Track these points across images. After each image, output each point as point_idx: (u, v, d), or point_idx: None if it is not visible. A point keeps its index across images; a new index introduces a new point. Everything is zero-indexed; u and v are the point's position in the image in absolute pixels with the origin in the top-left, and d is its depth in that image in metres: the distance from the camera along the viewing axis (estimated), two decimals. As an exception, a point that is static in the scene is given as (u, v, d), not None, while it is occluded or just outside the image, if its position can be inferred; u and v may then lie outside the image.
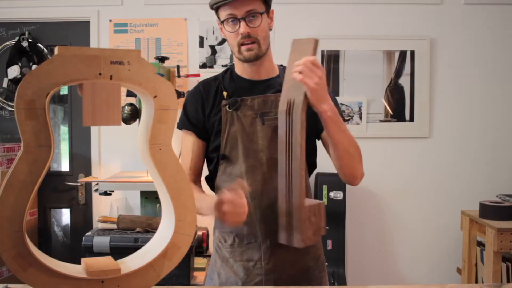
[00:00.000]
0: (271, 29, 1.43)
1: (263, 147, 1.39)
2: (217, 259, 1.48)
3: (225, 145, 1.40)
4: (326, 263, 1.55)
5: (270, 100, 1.41)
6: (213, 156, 1.45)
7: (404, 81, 3.06)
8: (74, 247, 3.09)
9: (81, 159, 3.10)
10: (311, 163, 1.46)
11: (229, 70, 1.49)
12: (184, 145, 1.48)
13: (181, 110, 1.48)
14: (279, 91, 1.38)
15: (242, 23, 1.33)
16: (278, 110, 1.35)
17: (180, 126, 1.47)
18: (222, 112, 1.40)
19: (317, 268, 1.46)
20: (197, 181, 1.48)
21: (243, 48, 1.36)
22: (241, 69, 1.46)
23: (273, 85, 1.44)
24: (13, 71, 2.93)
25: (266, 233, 1.39)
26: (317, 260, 1.47)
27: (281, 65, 1.52)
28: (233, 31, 1.35)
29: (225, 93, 1.42)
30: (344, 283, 2.78)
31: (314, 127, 1.41)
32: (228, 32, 1.37)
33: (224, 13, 1.35)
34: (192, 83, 3.01)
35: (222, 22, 1.37)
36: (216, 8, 1.37)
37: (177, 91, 2.83)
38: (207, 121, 1.44)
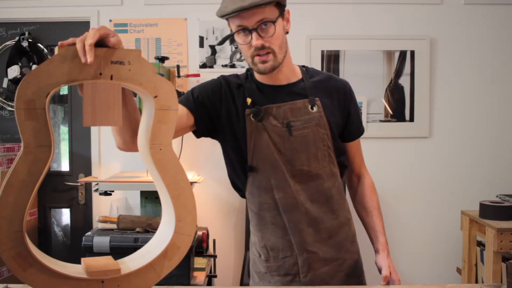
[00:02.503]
0: (287, 32, 1.34)
1: (292, 159, 1.33)
2: (254, 275, 1.45)
3: (252, 157, 1.34)
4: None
5: (297, 107, 1.33)
6: (238, 166, 1.39)
7: (404, 81, 3.06)
8: (74, 247, 3.09)
9: (81, 159, 3.10)
10: (341, 163, 1.43)
11: (249, 72, 1.41)
12: None
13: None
14: (305, 96, 1.35)
15: (254, 35, 1.23)
16: (306, 118, 1.32)
17: (180, 101, 1.34)
18: (247, 121, 1.33)
19: (354, 275, 1.46)
20: None
21: (257, 59, 1.27)
22: (258, 76, 1.38)
23: (297, 90, 1.36)
24: (13, 71, 2.93)
25: (302, 246, 1.35)
26: (355, 266, 1.46)
27: (304, 66, 1.45)
28: (245, 43, 1.26)
29: (248, 100, 1.33)
30: (344, 283, 2.78)
31: (341, 129, 1.40)
32: (240, 44, 1.28)
33: (234, 25, 1.26)
34: (192, 83, 3.00)
35: (232, 34, 1.29)
36: (226, 19, 1.28)
37: (177, 91, 2.83)
38: (225, 119, 1.36)
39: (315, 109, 1.34)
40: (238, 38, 1.27)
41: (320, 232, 1.37)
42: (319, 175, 1.35)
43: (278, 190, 1.33)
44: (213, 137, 1.42)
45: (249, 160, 1.34)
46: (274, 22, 1.24)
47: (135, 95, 2.56)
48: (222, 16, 1.25)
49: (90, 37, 0.90)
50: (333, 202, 1.39)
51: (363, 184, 1.51)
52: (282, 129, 1.32)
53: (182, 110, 1.31)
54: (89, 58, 0.89)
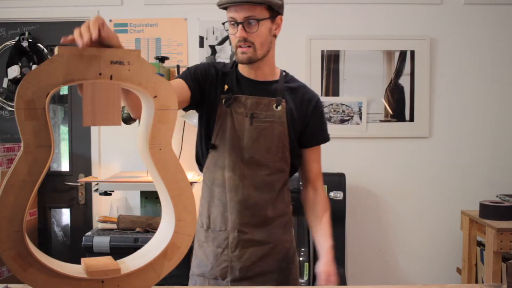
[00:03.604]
0: (275, 36, 1.49)
1: (247, 146, 1.47)
2: (195, 242, 1.61)
3: (216, 136, 1.49)
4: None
5: (263, 103, 1.48)
6: (204, 143, 1.54)
7: (404, 81, 3.06)
8: (74, 247, 3.09)
9: (81, 159, 3.10)
10: (293, 164, 1.56)
11: (236, 64, 1.54)
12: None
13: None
14: (274, 95, 1.49)
15: (239, 27, 1.40)
16: (268, 114, 1.46)
17: (179, 76, 1.51)
18: (219, 105, 1.48)
19: (285, 260, 1.55)
20: None
21: (239, 50, 1.43)
22: (240, 66, 1.53)
23: (268, 89, 1.50)
24: (13, 71, 2.93)
25: (235, 224, 1.49)
26: (286, 253, 1.56)
27: (284, 71, 1.58)
28: (233, 33, 1.43)
29: (226, 87, 1.49)
30: (344, 283, 2.78)
31: (298, 134, 1.52)
32: (229, 34, 1.45)
33: (228, 15, 1.42)
34: (192, 83, 3.00)
35: (224, 23, 1.45)
36: (222, 8, 1.45)
37: (177, 91, 2.83)
38: (206, 98, 1.50)
39: (279, 108, 1.48)
40: (229, 28, 1.44)
41: (256, 217, 1.50)
42: (268, 167, 1.49)
43: (228, 169, 1.48)
44: (196, 110, 1.57)
45: (213, 139, 1.50)
46: (259, 20, 1.40)
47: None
48: (219, 6, 1.43)
49: (92, 29, 0.95)
50: (274, 194, 1.52)
51: (317, 196, 1.60)
52: (245, 118, 1.47)
53: (182, 83, 1.46)
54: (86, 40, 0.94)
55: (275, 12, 1.44)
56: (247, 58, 1.43)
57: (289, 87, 1.54)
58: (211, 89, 1.51)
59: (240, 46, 1.42)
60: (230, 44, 3.04)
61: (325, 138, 1.59)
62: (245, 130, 1.47)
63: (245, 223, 1.49)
